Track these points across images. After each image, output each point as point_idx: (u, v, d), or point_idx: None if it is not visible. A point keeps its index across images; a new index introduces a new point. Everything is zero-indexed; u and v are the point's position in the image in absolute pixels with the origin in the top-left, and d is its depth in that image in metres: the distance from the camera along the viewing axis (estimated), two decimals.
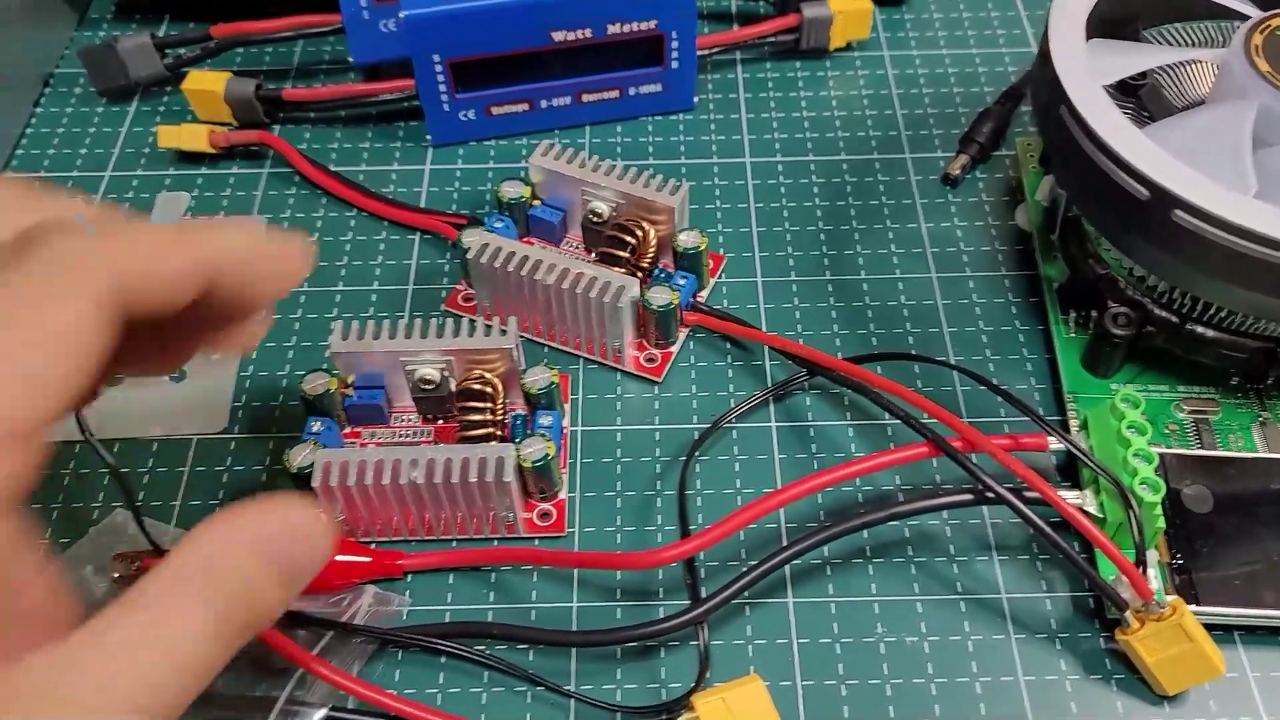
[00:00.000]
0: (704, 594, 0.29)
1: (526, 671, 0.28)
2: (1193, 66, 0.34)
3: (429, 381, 0.31)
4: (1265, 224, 0.26)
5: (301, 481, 0.29)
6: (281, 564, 0.22)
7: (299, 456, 0.30)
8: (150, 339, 0.24)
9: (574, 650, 0.29)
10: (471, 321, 0.31)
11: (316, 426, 0.31)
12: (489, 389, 0.31)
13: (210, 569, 0.21)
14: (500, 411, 0.32)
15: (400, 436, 0.32)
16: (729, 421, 0.33)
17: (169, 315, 0.23)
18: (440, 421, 0.32)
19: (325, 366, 0.32)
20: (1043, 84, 0.31)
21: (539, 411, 0.31)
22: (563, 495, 0.32)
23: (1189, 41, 0.35)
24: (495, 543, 0.31)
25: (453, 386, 0.32)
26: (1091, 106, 0.29)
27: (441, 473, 0.29)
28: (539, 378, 0.31)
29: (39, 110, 0.43)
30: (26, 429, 0.20)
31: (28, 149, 0.42)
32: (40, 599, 0.21)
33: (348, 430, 0.32)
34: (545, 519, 0.31)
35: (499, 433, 0.31)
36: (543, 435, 0.30)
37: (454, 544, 0.31)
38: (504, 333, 0.31)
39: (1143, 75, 0.33)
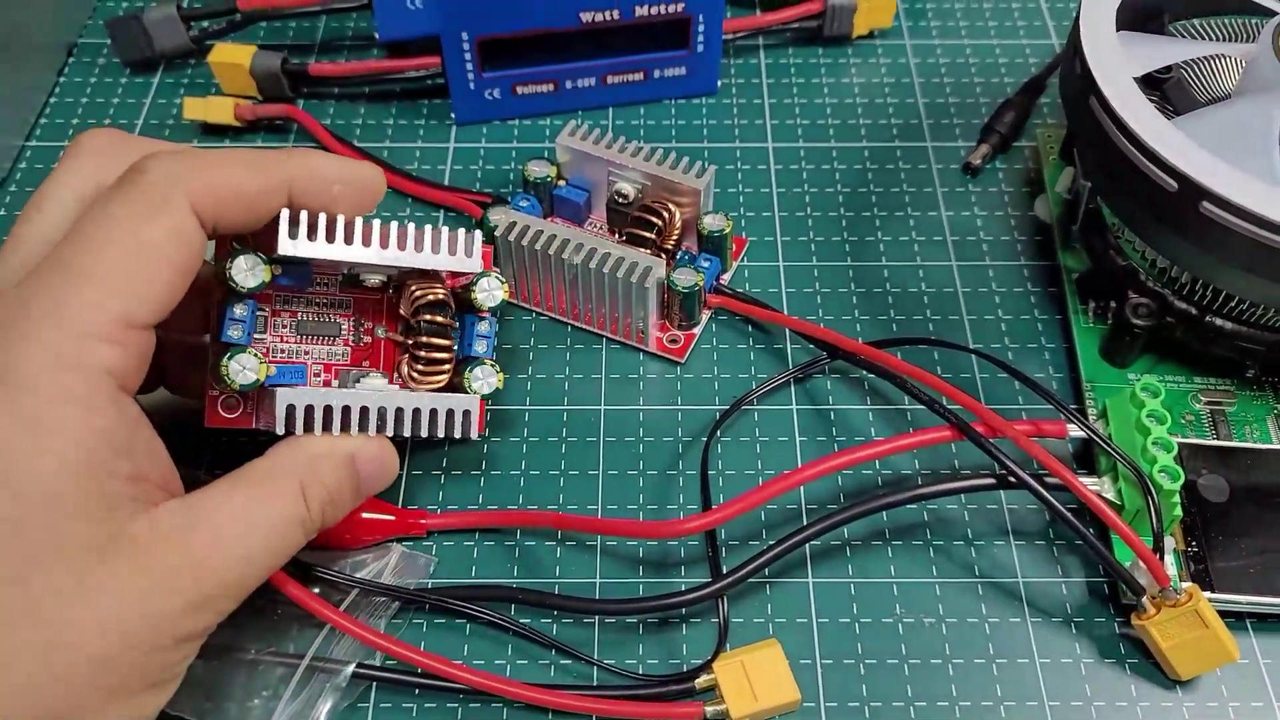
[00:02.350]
0: (725, 569, 0.29)
1: (552, 639, 0.29)
2: (1218, 61, 0.34)
3: (373, 287, 0.29)
4: None
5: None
6: (361, 480, 0.27)
7: (239, 373, 0.26)
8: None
9: (597, 622, 0.30)
10: (433, 243, 0.28)
11: (240, 310, 0.26)
12: (445, 316, 0.29)
13: (310, 470, 0.25)
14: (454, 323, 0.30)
15: (320, 305, 0.29)
16: (750, 403, 0.34)
17: (251, 231, 0.26)
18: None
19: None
20: (1072, 74, 0.32)
21: (473, 320, 0.30)
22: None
23: (1215, 36, 0.35)
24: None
25: (393, 288, 0.30)
26: (1122, 97, 0.29)
27: (410, 424, 0.28)
28: (491, 291, 0.29)
29: (62, 80, 0.43)
30: (134, 323, 0.23)
31: (51, 118, 0.42)
32: (162, 469, 0.24)
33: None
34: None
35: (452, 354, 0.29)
36: (491, 364, 0.29)
37: (477, 504, 0.31)
38: (470, 256, 0.28)
39: (1167, 69, 0.33)
